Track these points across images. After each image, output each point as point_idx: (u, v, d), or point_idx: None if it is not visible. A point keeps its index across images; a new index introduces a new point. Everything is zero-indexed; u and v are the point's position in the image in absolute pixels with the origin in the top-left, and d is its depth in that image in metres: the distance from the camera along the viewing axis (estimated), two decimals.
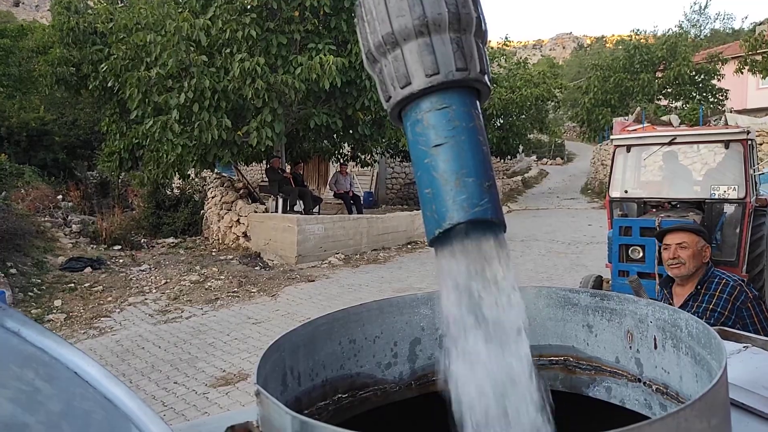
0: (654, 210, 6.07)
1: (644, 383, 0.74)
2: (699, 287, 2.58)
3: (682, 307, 2.57)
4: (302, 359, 0.74)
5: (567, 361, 0.83)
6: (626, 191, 6.34)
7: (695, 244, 2.60)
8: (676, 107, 22.61)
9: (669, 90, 22.89)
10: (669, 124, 19.74)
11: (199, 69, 8.83)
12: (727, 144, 5.64)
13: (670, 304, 2.69)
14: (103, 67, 10.64)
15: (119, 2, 15.10)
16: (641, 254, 5.20)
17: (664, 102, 23.43)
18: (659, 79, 22.63)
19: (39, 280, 8.35)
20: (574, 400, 0.81)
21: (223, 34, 9.25)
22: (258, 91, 8.92)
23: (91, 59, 13.49)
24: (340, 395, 0.79)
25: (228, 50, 9.44)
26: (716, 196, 5.65)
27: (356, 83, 10.46)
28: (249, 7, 9.34)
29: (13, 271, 8.23)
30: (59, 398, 0.49)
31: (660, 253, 5.35)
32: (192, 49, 9.13)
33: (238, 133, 9.54)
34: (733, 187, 5.52)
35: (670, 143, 6.05)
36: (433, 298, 0.88)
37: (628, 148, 6.34)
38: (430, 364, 0.87)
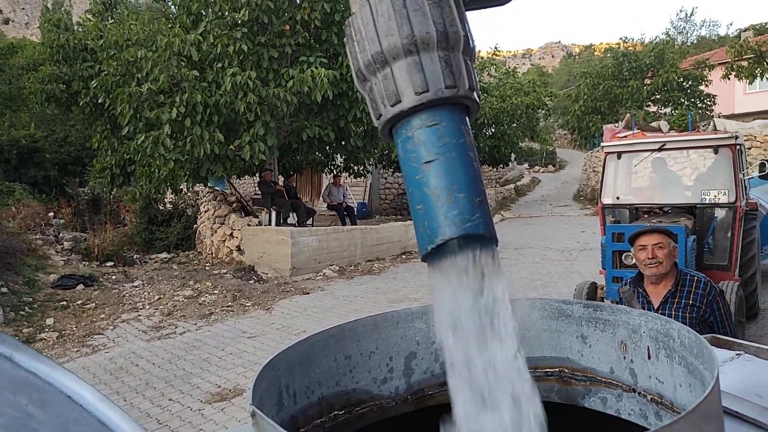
0: (646, 216, 6.10)
1: (639, 393, 0.74)
2: (677, 285, 2.77)
3: (663, 304, 2.75)
4: (298, 377, 0.73)
5: (562, 373, 0.83)
6: (618, 198, 6.38)
7: (668, 245, 2.81)
8: (665, 113, 22.85)
9: (658, 96, 23.14)
10: (658, 130, 19.93)
11: (190, 84, 8.84)
12: (716, 149, 5.70)
13: (647, 302, 2.77)
14: (93, 84, 10.64)
15: (109, 18, 15.13)
16: (634, 260, 5.23)
17: (653, 108, 23.67)
18: (648, 85, 22.88)
19: (30, 299, 8.26)
20: (569, 411, 0.81)
21: (215, 49, 9.28)
22: (250, 104, 8.94)
23: (81, 76, 13.48)
24: (336, 412, 0.79)
25: (219, 65, 9.46)
26: (707, 201, 5.70)
27: (348, 95, 10.51)
28: (240, 21, 9.37)
29: (3, 290, 8.14)
30: (53, 424, 0.48)
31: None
32: (183, 64, 9.14)
33: (231, 147, 9.54)
34: (723, 191, 5.58)
35: (660, 149, 6.10)
36: (428, 311, 0.88)
37: (619, 154, 6.39)
38: (426, 377, 0.87)
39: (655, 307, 2.75)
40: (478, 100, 0.63)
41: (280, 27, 9.60)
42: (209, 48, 9.35)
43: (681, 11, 37.72)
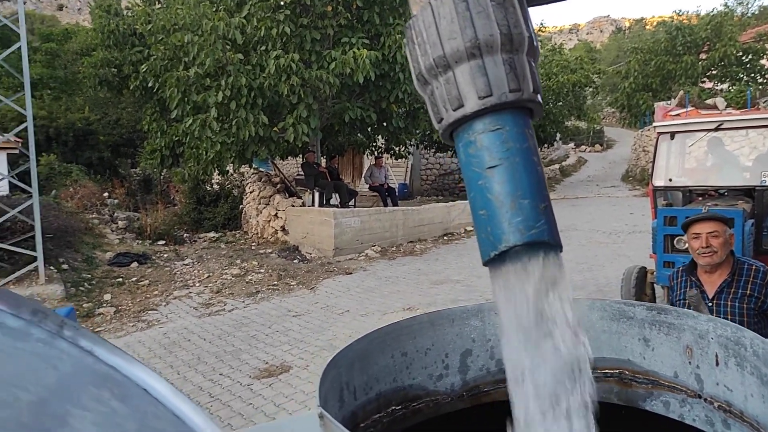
0: (700, 198, 5.87)
1: (705, 399, 0.72)
2: (733, 274, 2.65)
3: (718, 294, 2.64)
4: (357, 374, 0.75)
5: (622, 375, 0.82)
6: (670, 179, 6.15)
7: (724, 233, 2.68)
8: (721, 90, 21.71)
9: (714, 72, 21.97)
10: (714, 107, 18.96)
11: (235, 67, 8.97)
12: None
13: (701, 291, 2.67)
14: (143, 68, 10.93)
15: (157, 3, 15.45)
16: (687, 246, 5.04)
17: (708, 84, 22.51)
18: (703, 60, 21.74)
19: (89, 275, 8.69)
20: (629, 413, 0.80)
21: (258, 32, 9.36)
22: (293, 87, 9.01)
23: (131, 60, 13.90)
24: (393, 407, 0.80)
25: (263, 47, 9.55)
26: (767, 183, 5.42)
27: (390, 76, 10.44)
28: (282, 3, 9.41)
29: (65, 266, 8.59)
30: (134, 418, 0.51)
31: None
32: (228, 47, 9.28)
33: (275, 129, 9.67)
34: None
35: (716, 129, 5.83)
36: (484, 309, 0.88)
37: (672, 135, 6.13)
38: (481, 375, 0.87)
39: (710, 296, 2.65)
40: (541, 101, 0.61)
41: (322, 8, 9.58)
42: (253, 31, 9.43)
43: None
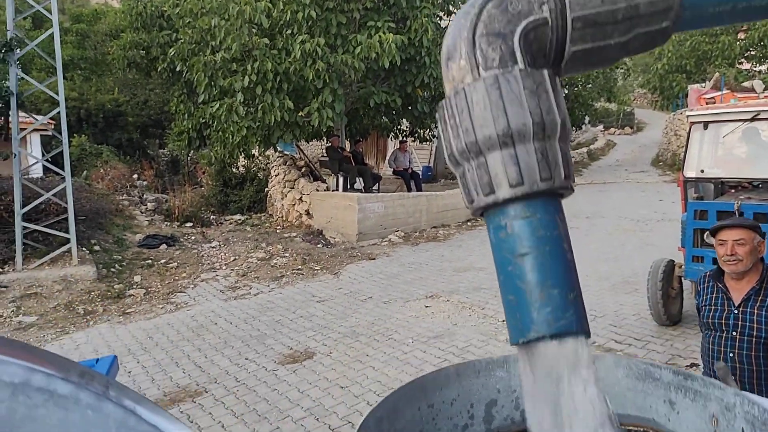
0: (732, 191, 5.71)
1: None
2: (762, 282, 2.59)
3: (745, 301, 2.58)
4: (386, 429, 0.77)
5: None
6: (702, 171, 5.98)
7: (752, 240, 2.59)
8: (760, 71, 20.89)
9: (752, 52, 21.11)
10: (752, 90, 18.28)
11: (261, 52, 8.98)
12: None
13: (727, 298, 2.61)
14: (171, 52, 11.03)
15: None
16: None
17: (746, 66, 21.67)
18: (741, 40, 20.90)
19: (120, 257, 8.94)
20: None
21: (284, 16, 9.34)
22: (319, 72, 9.00)
23: (159, 42, 14.02)
24: None
25: (289, 31, 9.53)
26: None
27: (416, 60, 10.34)
28: None
29: (96, 248, 8.84)
30: None
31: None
32: (254, 31, 9.28)
33: (300, 114, 9.69)
34: None
35: (752, 119, 5.63)
36: (509, 360, 0.89)
37: (706, 124, 5.95)
38: (506, 425, 0.88)
39: (736, 303, 2.60)
40: (572, 187, 0.61)
41: None
42: (279, 15, 9.41)
43: None
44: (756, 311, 2.53)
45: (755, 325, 2.52)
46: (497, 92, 0.57)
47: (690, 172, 5.99)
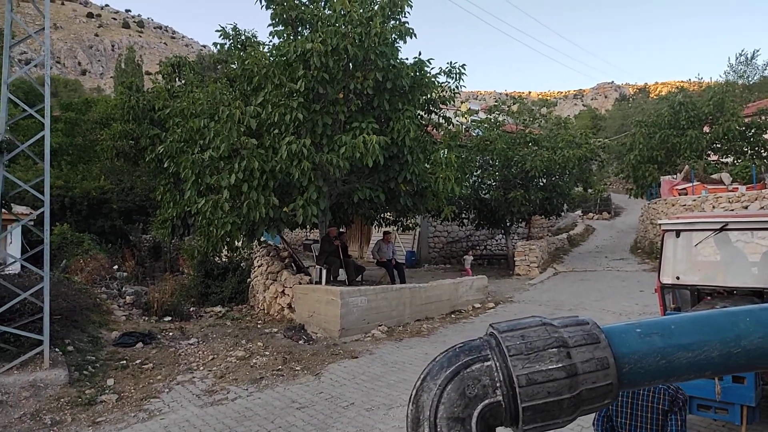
0: (709, 298, 5.83)
1: None
2: None
3: None
4: None
5: None
6: (678, 278, 6.13)
7: None
8: (726, 163, 21.93)
9: (719, 145, 22.28)
10: (720, 182, 19.12)
11: (249, 151, 9.26)
12: None
13: None
14: (160, 150, 11.29)
15: (177, 80, 16.17)
16: None
17: (714, 157, 22.78)
18: (707, 134, 22.10)
19: (93, 357, 8.64)
20: None
21: (272, 117, 9.71)
22: (304, 171, 9.24)
23: (148, 134, 14.41)
24: None
25: (276, 131, 9.88)
26: None
27: (398, 158, 10.71)
28: (296, 90, 9.80)
29: (70, 348, 8.56)
30: None
31: None
32: (242, 130, 9.61)
33: (285, 210, 9.84)
34: None
35: (720, 230, 5.86)
36: None
37: (678, 233, 6.17)
38: None
39: None
40: None
41: (335, 95, 9.97)
42: (267, 116, 9.79)
43: (741, 54, 36.24)
44: None
45: None
46: None
47: (666, 279, 6.13)
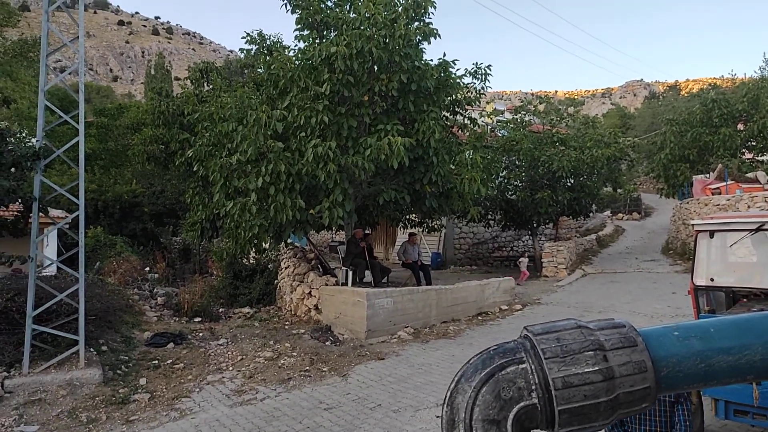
0: (745, 300, 5.66)
1: None
2: None
3: None
4: None
5: None
6: (712, 279, 5.97)
7: None
8: (762, 162, 21.26)
9: (753, 143, 21.61)
10: (755, 180, 18.53)
11: (275, 154, 9.37)
12: None
13: None
14: (189, 153, 11.51)
15: (205, 85, 16.47)
16: None
17: (748, 156, 22.10)
18: (742, 132, 21.45)
19: (126, 357, 8.85)
20: None
21: (298, 120, 9.81)
22: (330, 173, 9.31)
23: (178, 138, 14.70)
24: None
25: (302, 134, 9.97)
26: None
27: (423, 159, 10.70)
28: (322, 94, 9.88)
29: (104, 348, 8.79)
30: None
31: None
32: (269, 134, 9.73)
33: (311, 212, 9.93)
34: None
35: (758, 230, 5.69)
36: None
37: (711, 233, 6.02)
38: None
39: None
40: None
41: (360, 98, 10.01)
42: (293, 119, 9.89)
43: None
44: None
45: None
46: None
47: (700, 281, 5.98)
